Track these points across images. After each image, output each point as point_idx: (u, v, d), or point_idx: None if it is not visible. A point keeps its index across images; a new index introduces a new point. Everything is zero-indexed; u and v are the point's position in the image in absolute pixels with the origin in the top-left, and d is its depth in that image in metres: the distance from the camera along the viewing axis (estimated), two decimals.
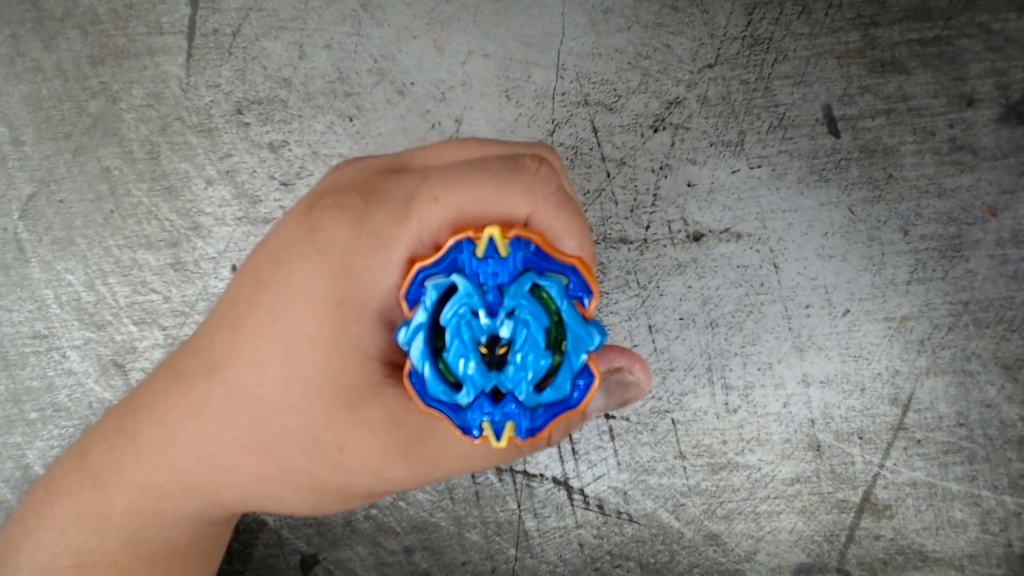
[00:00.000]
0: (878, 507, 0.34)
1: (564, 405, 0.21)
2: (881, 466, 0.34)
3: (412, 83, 0.35)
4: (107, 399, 0.36)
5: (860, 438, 0.34)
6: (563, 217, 0.21)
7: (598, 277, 0.35)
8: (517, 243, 0.20)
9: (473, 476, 0.35)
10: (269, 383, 0.21)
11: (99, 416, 0.34)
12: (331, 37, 0.36)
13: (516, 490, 0.35)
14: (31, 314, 0.36)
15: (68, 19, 0.36)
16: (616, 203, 0.35)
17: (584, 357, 0.21)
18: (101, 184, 0.36)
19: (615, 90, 0.35)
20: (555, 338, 0.21)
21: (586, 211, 0.35)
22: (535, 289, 0.21)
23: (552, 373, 0.21)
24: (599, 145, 0.35)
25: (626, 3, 0.35)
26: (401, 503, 0.35)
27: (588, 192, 0.35)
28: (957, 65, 0.34)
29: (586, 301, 0.21)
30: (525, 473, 0.35)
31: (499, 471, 0.35)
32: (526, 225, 0.21)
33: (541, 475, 0.35)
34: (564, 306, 0.21)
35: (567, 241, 0.21)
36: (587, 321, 0.21)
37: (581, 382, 0.21)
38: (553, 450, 0.35)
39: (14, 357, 0.36)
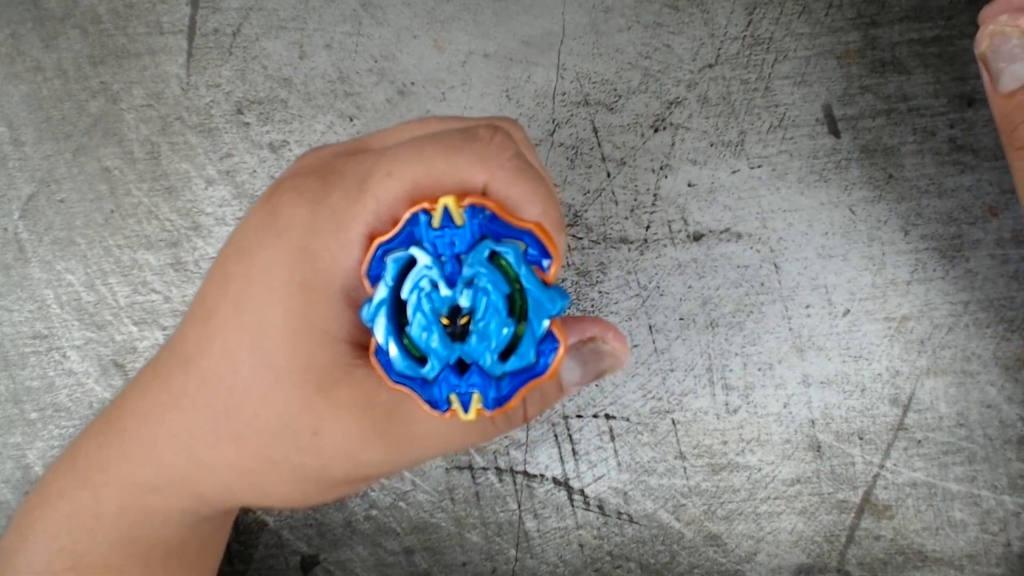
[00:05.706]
0: (878, 507, 0.34)
1: (530, 373, 0.21)
2: (881, 466, 0.34)
3: (412, 83, 0.35)
4: (107, 399, 0.36)
5: (860, 438, 0.34)
6: (522, 184, 0.21)
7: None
8: (472, 211, 0.20)
9: (473, 476, 0.35)
10: (240, 372, 0.22)
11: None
12: (331, 37, 0.36)
13: (516, 490, 0.35)
14: (31, 314, 0.36)
15: (68, 19, 0.36)
16: (616, 203, 0.35)
17: (547, 322, 0.20)
18: (101, 184, 0.36)
19: (615, 90, 0.35)
20: (519, 305, 0.21)
21: (585, 211, 0.35)
22: (494, 257, 0.20)
23: (517, 341, 0.21)
24: (599, 145, 0.35)
25: (626, 3, 0.35)
26: (401, 504, 0.35)
27: (588, 192, 0.35)
28: (957, 65, 0.34)
29: (545, 265, 0.21)
30: (525, 473, 0.35)
31: (499, 471, 0.35)
32: (484, 194, 0.21)
33: (541, 475, 0.35)
34: (523, 271, 0.20)
35: (528, 208, 0.21)
36: (548, 286, 0.21)
37: (546, 348, 0.21)
38: (553, 450, 0.35)
39: (14, 357, 0.36)
